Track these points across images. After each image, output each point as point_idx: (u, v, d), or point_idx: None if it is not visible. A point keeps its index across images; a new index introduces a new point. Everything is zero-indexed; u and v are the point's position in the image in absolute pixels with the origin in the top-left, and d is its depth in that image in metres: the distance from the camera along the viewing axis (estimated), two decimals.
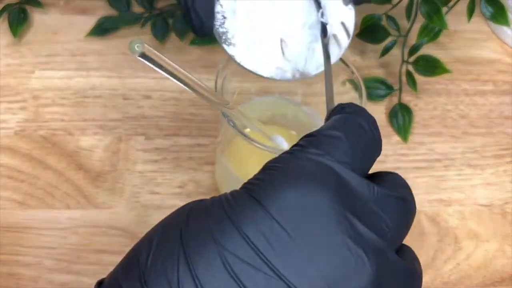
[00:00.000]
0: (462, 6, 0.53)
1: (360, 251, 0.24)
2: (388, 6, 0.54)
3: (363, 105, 0.40)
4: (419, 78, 0.53)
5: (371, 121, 0.29)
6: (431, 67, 0.52)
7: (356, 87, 0.41)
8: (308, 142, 0.27)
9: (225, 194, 0.26)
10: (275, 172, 0.26)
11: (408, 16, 0.54)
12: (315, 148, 0.26)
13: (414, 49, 0.53)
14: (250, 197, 0.25)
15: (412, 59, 0.53)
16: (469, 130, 0.54)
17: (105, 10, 0.58)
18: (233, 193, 0.26)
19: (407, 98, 0.55)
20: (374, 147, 0.28)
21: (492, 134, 0.54)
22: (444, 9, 0.52)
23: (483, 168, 0.52)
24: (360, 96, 0.40)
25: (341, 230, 0.24)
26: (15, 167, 0.48)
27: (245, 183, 0.26)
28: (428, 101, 0.55)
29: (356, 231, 0.25)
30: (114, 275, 0.25)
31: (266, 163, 0.27)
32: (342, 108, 0.29)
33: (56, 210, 0.47)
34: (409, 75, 0.53)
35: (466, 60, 0.58)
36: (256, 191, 0.25)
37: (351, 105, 0.30)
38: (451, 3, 0.53)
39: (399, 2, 0.54)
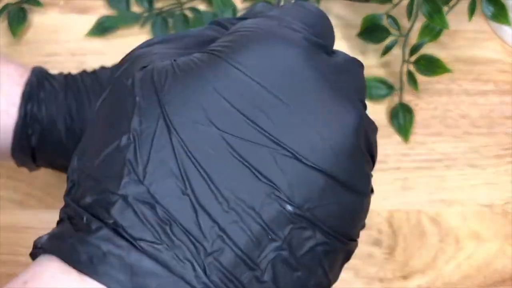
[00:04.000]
0: (463, 6, 0.53)
1: (348, 105, 0.24)
2: (388, 6, 0.54)
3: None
4: (420, 77, 0.53)
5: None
6: (432, 66, 0.52)
7: None
8: (270, 9, 0.28)
9: (187, 59, 0.25)
10: (246, 33, 0.25)
11: (409, 15, 0.53)
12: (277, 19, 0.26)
13: (415, 49, 0.53)
14: (225, 62, 0.24)
15: (413, 58, 0.53)
16: (470, 130, 0.54)
17: (104, 10, 0.58)
18: (199, 57, 0.25)
19: (408, 97, 0.55)
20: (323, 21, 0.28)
21: (493, 134, 0.54)
22: (445, 9, 0.52)
23: (484, 168, 0.52)
24: None
25: (326, 88, 0.24)
26: (14, 167, 0.48)
27: (210, 48, 0.25)
28: (429, 101, 0.55)
29: (337, 87, 0.25)
30: None
31: (230, 30, 0.27)
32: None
33: (56, 210, 0.46)
34: (410, 74, 0.53)
35: (467, 60, 0.58)
36: (226, 53, 0.24)
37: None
38: (452, 3, 0.53)
39: (399, 2, 0.54)
